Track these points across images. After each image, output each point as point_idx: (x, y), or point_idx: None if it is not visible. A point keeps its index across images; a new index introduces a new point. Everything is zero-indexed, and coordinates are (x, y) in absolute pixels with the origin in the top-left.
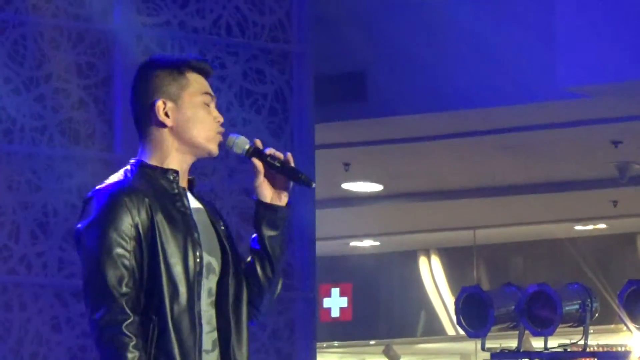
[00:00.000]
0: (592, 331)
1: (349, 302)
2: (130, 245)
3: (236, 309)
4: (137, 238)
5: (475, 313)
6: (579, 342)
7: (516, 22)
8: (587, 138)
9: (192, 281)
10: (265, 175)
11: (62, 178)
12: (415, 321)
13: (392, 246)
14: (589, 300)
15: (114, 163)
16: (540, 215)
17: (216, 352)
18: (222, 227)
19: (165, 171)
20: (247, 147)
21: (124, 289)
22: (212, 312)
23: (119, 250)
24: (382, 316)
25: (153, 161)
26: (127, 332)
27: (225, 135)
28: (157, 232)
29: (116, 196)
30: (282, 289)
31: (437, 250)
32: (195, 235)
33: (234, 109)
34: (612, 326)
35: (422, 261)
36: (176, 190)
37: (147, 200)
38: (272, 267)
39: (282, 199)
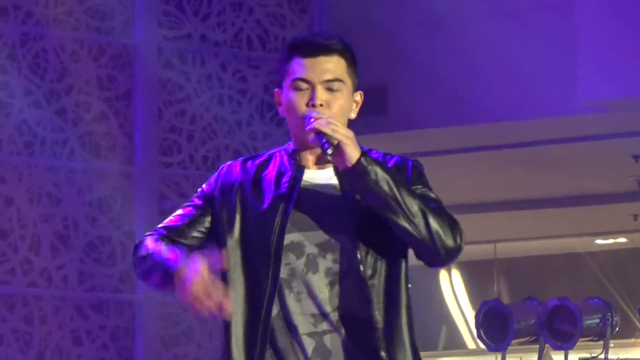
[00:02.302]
0: (612, 345)
1: None
2: None
3: (377, 285)
4: None
5: (496, 327)
6: (599, 356)
7: (537, 36)
8: (607, 152)
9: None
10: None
11: (82, 191)
12: (436, 335)
13: (412, 260)
14: (609, 314)
15: (134, 176)
16: (561, 229)
17: (342, 332)
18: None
19: None
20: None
21: None
22: (334, 291)
23: None
24: None
25: None
26: None
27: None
28: None
29: None
30: None
31: (458, 263)
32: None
33: (255, 122)
34: (633, 340)
35: (443, 275)
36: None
37: None
38: (395, 221)
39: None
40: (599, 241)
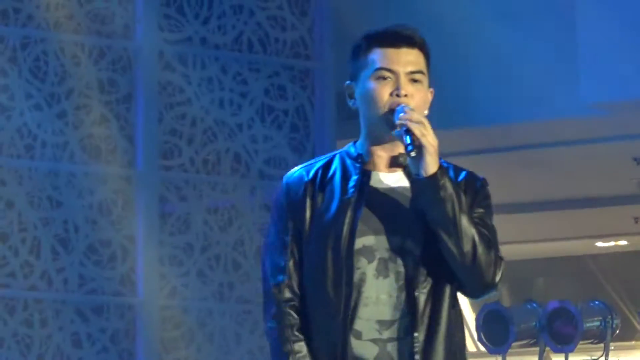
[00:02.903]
0: (612, 348)
1: None
2: None
3: (432, 295)
4: None
5: (496, 329)
6: (599, 359)
7: (538, 38)
8: (608, 154)
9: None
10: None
11: (83, 194)
12: None
13: None
14: (609, 316)
15: (135, 179)
16: (562, 232)
17: (407, 340)
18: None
19: None
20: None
21: None
22: (402, 298)
23: None
24: None
25: None
26: None
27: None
28: None
29: None
30: None
31: None
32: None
33: (256, 125)
34: (633, 343)
35: None
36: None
37: None
38: (445, 242)
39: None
40: (599, 244)
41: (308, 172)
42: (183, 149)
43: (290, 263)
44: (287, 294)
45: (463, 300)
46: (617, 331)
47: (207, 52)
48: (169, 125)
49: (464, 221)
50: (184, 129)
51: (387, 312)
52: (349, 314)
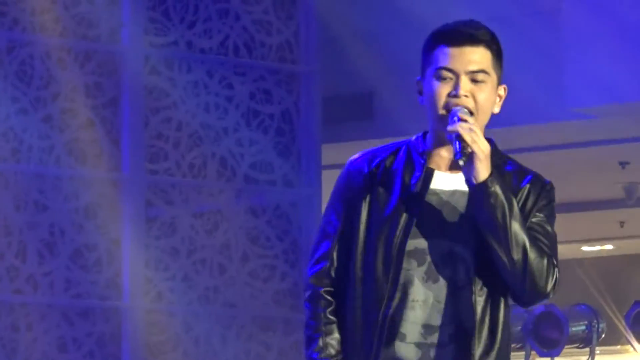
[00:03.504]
0: (598, 352)
1: None
2: None
3: (489, 302)
4: None
5: None
6: None
7: (524, 43)
8: (594, 159)
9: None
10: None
11: (69, 198)
12: None
13: None
14: (595, 321)
15: (121, 183)
16: None
17: (451, 347)
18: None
19: None
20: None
21: None
22: (450, 304)
23: None
24: None
25: None
26: None
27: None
28: None
29: None
30: (299, 311)
31: None
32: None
33: (242, 129)
34: (619, 347)
35: None
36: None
37: None
38: (495, 249)
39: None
40: (585, 248)
41: (370, 163)
42: (169, 153)
43: (335, 250)
44: (325, 280)
45: None
46: (603, 335)
47: (192, 56)
48: (154, 129)
49: (515, 229)
50: (169, 133)
51: (433, 316)
52: (389, 312)
